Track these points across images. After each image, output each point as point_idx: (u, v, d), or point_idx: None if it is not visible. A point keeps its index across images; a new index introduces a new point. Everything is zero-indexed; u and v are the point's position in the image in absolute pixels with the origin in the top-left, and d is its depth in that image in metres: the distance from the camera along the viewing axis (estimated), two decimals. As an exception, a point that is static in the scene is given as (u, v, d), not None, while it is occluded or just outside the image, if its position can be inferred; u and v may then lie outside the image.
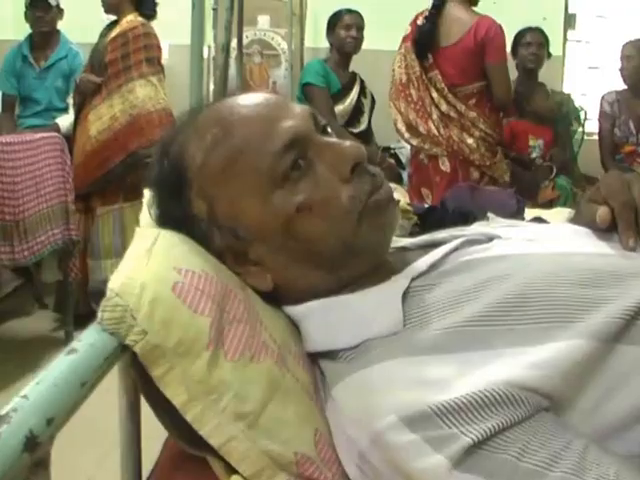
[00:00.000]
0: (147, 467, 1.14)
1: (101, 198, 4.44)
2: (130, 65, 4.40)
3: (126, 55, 4.40)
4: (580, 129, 5.32)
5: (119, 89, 4.38)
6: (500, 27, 3.89)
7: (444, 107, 3.98)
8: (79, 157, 4.42)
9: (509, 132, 4.79)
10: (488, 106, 4.01)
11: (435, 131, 4.01)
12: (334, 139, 1.10)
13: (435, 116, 4.00)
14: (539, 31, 5.07)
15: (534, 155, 4.85)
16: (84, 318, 3.30)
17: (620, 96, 5.13)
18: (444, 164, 4.07)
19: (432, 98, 4.01)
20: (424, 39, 4.02)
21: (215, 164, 1.06)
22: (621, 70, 5.03)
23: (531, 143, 4.85)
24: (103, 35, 4.55)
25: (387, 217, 1.09)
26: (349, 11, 4.96)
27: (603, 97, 5.24)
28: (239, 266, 1.08)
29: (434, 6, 4.01)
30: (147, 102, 4.33)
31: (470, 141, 3.97)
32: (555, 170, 4.82)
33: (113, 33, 4.46)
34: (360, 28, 4.93)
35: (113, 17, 4.59)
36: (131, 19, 4.47)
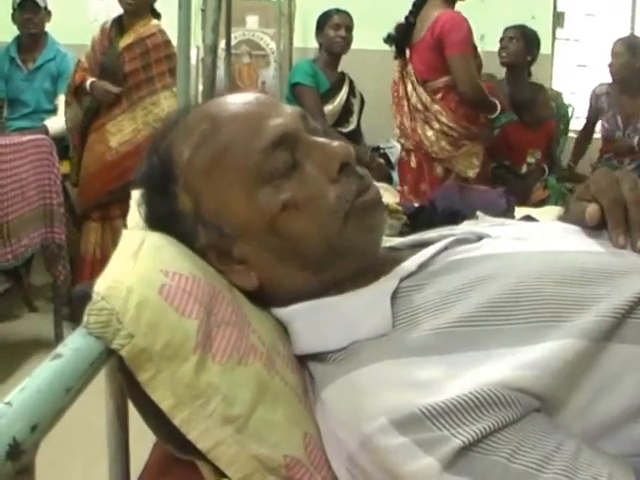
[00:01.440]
0: (136, 471, 1.13)
1: (120, 207, 4.27)
2: (153, 76, 4.37)
3: (148, 65, 4.37)
4: (569, 127, 5.34)
5: (141, 101, 4.36)
6: (460, 20, 3.90)
7: (413, 100, 4.05)
8: (95, 165, 4.40)
9: (505, 139, 4.75)
10: (455, 100, 4.00)
11: (406, 123, 4.10)
12: (323, 139, 1.09)
13: (405, 109, 4.10)
14: (518, 27, 5.06)
15: (524, 169, 4.81)
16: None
17: (610, 89, 5.15)
18: (412, 160, 4.15)
19: (406, 92, 4.09)
20: (399, 37, 4.10)
21: (202, 159, 1.06)
22: (610, 66, 5.05)
23: (529, 160, 4.81)
24: (115, 39, 4.45)
25: (374, 219, 1.08)
26: (338, 11, 4.96)
27: (594, 89, 5.27)
28: (223, 264, 1.08)
29: (414, 5, 4.08)
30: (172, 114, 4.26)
31: (430, 134, 4.01)
32: (547, 170, 4.82)
33: (128, 39, 4.40)
34: (349, 28, 4.93)
35: (102, 20, 4.56)
36: (145, 23, 4.42)
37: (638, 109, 4.94)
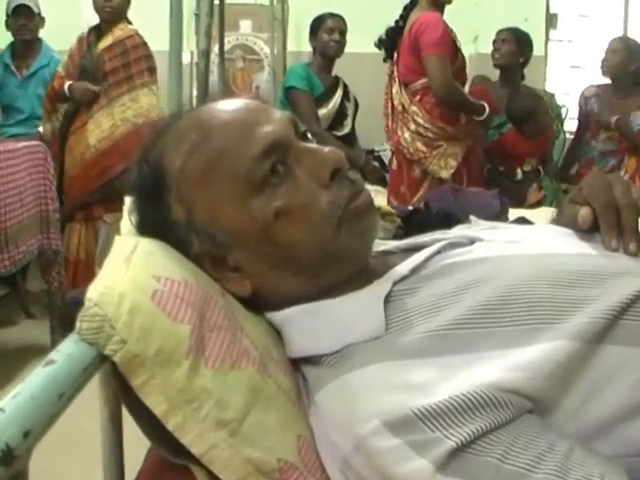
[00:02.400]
0: (130, 476, 1.13)
1: (103, 206, 4.42)
2: (132, 74, 4.47)
3: (127, 64, 4.47)
4: (563, 128, 5.34)
5: (120, 98, 4.44)
6: (435, 21, 3.92)
7: (396, 101, 4.11)
8: (76, 167, 4.46)
9: (502, 146, 4.74)
10: (432, 101, 4.02)
11: (390, 125, 4.19)
12: (314, 145, 1.09)
13: (389, 110, 4.18)
14: (511, 29, 5.07)
15: (519, 176, 4.79)
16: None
17: (600, 91, 5.14)
18: (393, 161, 4.22)
19: (392, 93, 4.16)
20: (388, 40, 4.16)
21: (194, 169, 1.06)
22: (604, 61, 5.03)
23: (526, 168, 4.80)
24: (93, 43, 4.56)
25: (367, 223, 1.08)
26: (332, 15, 4.97)
27: (583, 92, 5.26)
28: (218, 272, 1.08)
29: (404, 8, 4.12)
30: (152, 111, 4.42)
31: (406, 135, 4.05)
32: (542, 172, 4.82)
33: (106, 42, 4.51)
34: (343, 32, 4.93)
35: (92, 24, 4.62)
36: (123, 27, 4.53)
37: (628, 109, 4.94)
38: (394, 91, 4.13)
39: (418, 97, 4.03)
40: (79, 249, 4.46)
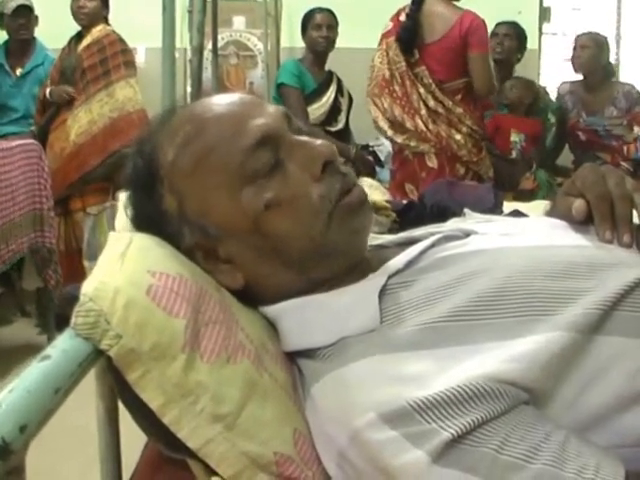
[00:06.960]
0: (128, 471, 1.13)
1: (81, 200, 4.57)
2: (109, 69, 4.57)
3: (104, 60, 4.58)
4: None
5: (98, 93, 4.54)
6: (482, 21, 3.90)
7: (431, 103, 3.97)
8: (56, 162, 4.51)
9: (493, 127, 4.75)
10: (473, 102, 4.03)
11: (423, 127, 3.99)
12: (306, 138, 1.10)
13: (423, 112, 3.99)
14: (511, 25, 5.07)
15: (514, 155, 4.80)
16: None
17: (574, 87, 5.16)
18: (431, 160, 4.06)
19: (419, 94, 3.99)
20: (407, 36, 4.00)
21: (186, 160, 1.06)
22: (575, 58, 5.04)
23: (513, 138, 4.81)
24: (73, 47, 4.71)
25: (359, 221, 1.09)
26: (320, 10, 4.94)
27: (558, 89, 5.28)
28: (209, 264, 1.08)
29: (414, 2, 4.00)
30: (127, 103, 4.52)
31: (458, 137, 3.98)
32: (535, 165, 4.82)
33: (85, 42, 4.65)
34: (331, 27, 4.90)
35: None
36: (100, 28, 4.66)
37: (600, 105, 4.97)
38: (421, 92, 3.98)
39: (459, 97, 3.99)
40: (59, 242, 4.49)
